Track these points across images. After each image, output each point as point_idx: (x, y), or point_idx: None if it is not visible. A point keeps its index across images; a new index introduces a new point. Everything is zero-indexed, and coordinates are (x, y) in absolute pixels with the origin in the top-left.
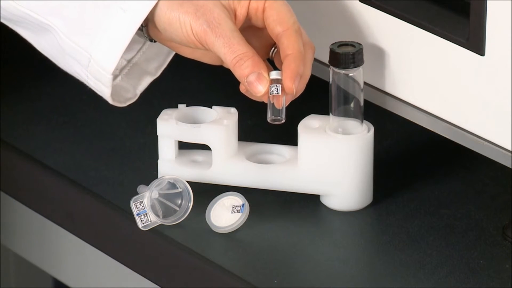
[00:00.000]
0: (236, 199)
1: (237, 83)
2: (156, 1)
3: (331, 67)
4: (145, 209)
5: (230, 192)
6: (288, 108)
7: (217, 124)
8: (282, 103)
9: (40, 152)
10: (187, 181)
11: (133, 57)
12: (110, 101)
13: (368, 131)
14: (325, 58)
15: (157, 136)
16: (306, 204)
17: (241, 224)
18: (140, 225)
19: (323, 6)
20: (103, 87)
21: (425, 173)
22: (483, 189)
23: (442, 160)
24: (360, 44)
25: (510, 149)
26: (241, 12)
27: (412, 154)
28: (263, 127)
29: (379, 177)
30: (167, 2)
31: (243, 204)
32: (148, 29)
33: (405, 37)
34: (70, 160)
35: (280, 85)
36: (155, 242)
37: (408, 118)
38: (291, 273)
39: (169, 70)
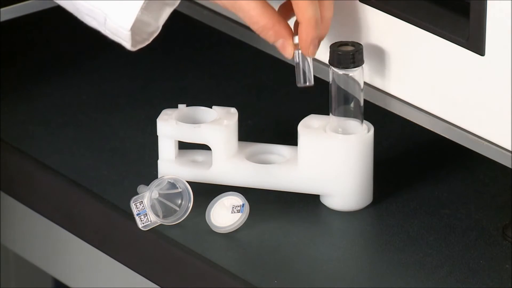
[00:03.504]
0: (236, 199)
1: (236, 83)
2: None
3: (331, 67)
4: (145, 209)
5: (230, 192)
6: (288, 107)
7: (217, 124)
8: (304, 66)
9: (40, 152)
10: (187, 181)
11: None
12: (132, 49)
13: (368, 131)
14: (325, 58)
15: (157, 136)
16: (306, 204)
17: (241, 224)
18: (140, 225)
19: None
20: (123, 42)
21: (425, 173)
22: (483, 189)
23: (442, 160)
24: (360, 44)
25: (510, 149)
26: None
27: (412, 154)
28: (263, 127)
29: (379, 177)
30: None
31: (243, 204)
32: None
33: (405, 37)
34: (70, 160)
35: None
36: (155, 242)
37: (408, 118)
38: (291, 273)
39: (169, 70)
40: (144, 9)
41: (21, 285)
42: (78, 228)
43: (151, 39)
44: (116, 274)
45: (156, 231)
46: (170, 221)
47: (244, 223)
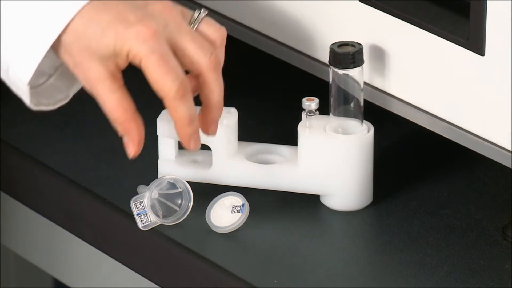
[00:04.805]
0: (236, 199)
1: (236, 83)
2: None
3: (331, 67)
4: (145, 209)
5: (230, 192)
6: (288, 107)
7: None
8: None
9: (40, 152)
10: (187, 181)
11: None
12: (33, 108)
13: (368, 131)
14: (325, 58)
15: (157, 136)
16: (306, 204)
17: (241, 224)
18: (140, 225)
19: (323, 6)
20: (23, 97)
21: (425, 173)
22: (483, 189)
23: (442, 160)
24: (360, 44)
25: (510, 149)
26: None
27: (412, 154)
28: (263, 127)
29: (379, 177)
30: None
31: (243, 204)
32: None
33: (405, 37)
34: (70, 160)
35: None
36: (155, 242)
37: (408, 118)
38: (291, 273)
39: None
40: (60, 74)
41: (21, 285)
42: (78, 228)
43: (56, 107)
44: (116, 274)
45: (156, 231)
46: (170, 221)
47: (244, 223)
